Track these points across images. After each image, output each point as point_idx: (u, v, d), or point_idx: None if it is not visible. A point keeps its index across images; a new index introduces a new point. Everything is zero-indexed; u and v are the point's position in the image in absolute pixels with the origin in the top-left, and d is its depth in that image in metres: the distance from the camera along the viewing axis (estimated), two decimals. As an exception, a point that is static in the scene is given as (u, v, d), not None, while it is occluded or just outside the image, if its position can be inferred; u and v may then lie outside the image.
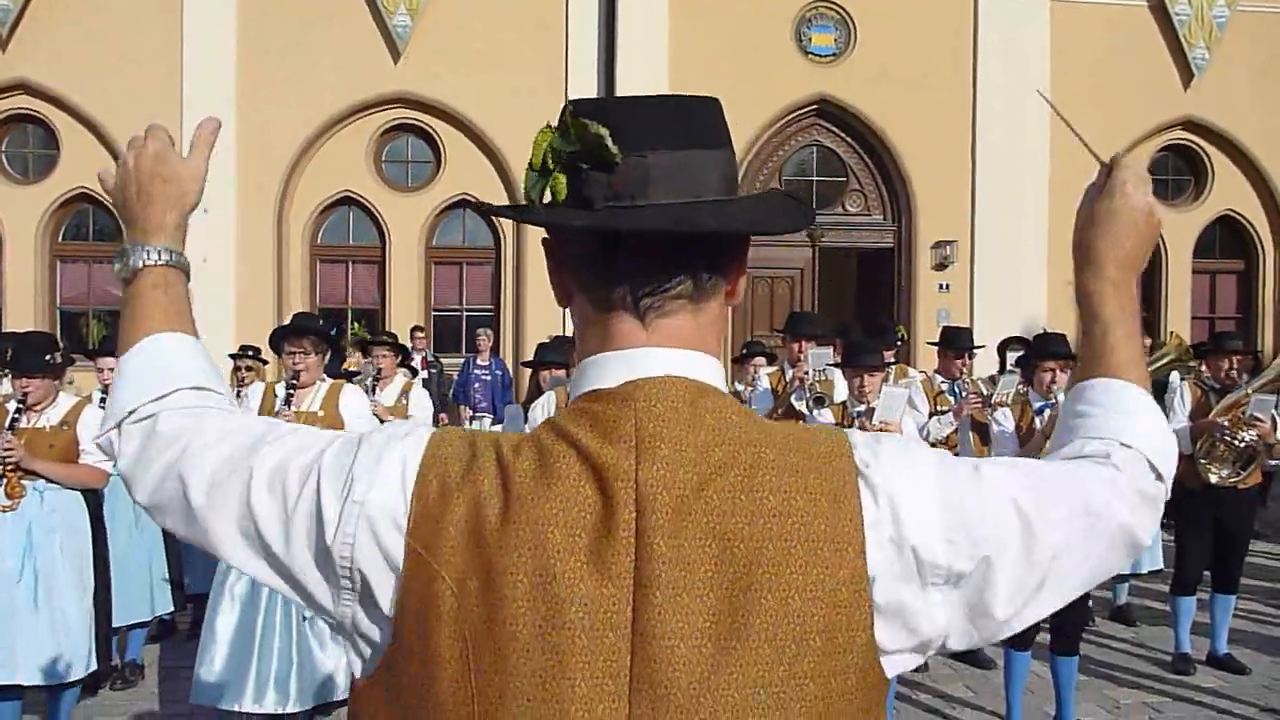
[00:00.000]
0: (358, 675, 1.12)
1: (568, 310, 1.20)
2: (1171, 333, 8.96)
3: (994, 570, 1.07)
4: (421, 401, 7.95)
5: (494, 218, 14.27)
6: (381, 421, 5.83)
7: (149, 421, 1.21)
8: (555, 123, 1.11)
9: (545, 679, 1.01)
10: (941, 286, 14.47)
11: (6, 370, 8.83)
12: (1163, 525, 7.08)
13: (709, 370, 1.12)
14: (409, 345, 12.57)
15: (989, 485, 1.10)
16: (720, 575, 1.02)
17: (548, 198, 1.13)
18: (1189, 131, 15.09)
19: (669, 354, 1.10)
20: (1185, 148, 15.27)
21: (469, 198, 14.21)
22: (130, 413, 1.22)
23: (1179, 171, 15.50)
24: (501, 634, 1.01)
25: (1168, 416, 6.38)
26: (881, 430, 5.21)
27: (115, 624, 5.69)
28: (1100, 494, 1.15)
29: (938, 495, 1.07)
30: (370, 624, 1.09)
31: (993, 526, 1.08)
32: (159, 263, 1.29)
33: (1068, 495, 1.13)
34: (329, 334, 5.21)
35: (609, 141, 1.06)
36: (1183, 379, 6.66)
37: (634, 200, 1.08)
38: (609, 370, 1.11)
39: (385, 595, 1.07)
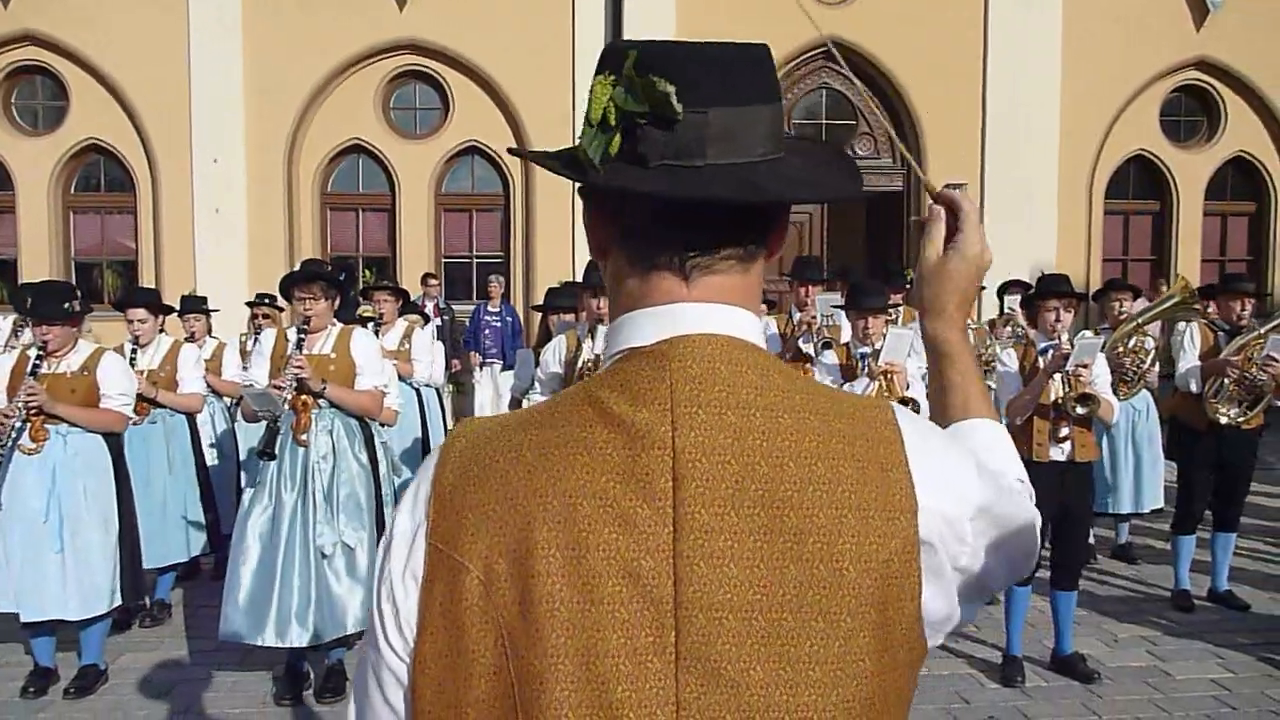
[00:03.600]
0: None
1: (598, 263, 1.16)
2: (1178, 276, 9.00)
3: (981, 578, 1.11)
4: (424, 345, 8.05)
5: (511, 159, 14.25)
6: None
7: None
8: (610, 72, 1.04)
9: (588, 658, 0.96)
10: (950, 230, 14.43)
11: (27, 319, 8.98)
12: (1166, 464, 7.20)
13: (751, 328, 1.08)
14: (421, 293, 12.67)
15: (1004, 489, 1.14)
16: (770, 545, 0.97)
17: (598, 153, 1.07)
18: (1202, 72, 14.93)
19: (709, 309, 1.05)
20: (1198, 88, 15.11)
21: (478, 144, 14.21)
22: None
23: (1191, 112, 15.37)
24: (537, 613, 0.96)
25: (1177, 357, 6.53)
26: (887, 371, 5.28)
27: (151, 565, 5.88)
28: (1025, 499, 1.21)
29: (976, 481, 1.09)
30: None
31: (1000, 534, 1.12)
32: None
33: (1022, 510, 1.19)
34: (338, 280, 5.29)
35: (674, 100, 1.00)
36: (1189, 321, 6.72)
37: (691, 159, 1.02)
38: (644, 327, 1.06)
39: (410, 616, 1.02)
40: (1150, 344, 7.12)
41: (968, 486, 1.07)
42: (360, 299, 7.92)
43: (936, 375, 1.34)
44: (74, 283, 13.30)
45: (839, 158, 1.19)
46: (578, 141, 1.06)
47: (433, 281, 13.26)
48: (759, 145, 1.06)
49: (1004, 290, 9.31)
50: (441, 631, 1.00)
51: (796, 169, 1.09)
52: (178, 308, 7.59)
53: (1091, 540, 7.31)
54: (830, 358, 5.84)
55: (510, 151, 1.46)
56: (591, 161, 1.04)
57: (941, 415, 1.32)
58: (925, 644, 1.06)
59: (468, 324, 13.09)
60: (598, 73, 1.05)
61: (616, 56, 1.04)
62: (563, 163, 1.08)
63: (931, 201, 1.33)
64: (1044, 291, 5.64)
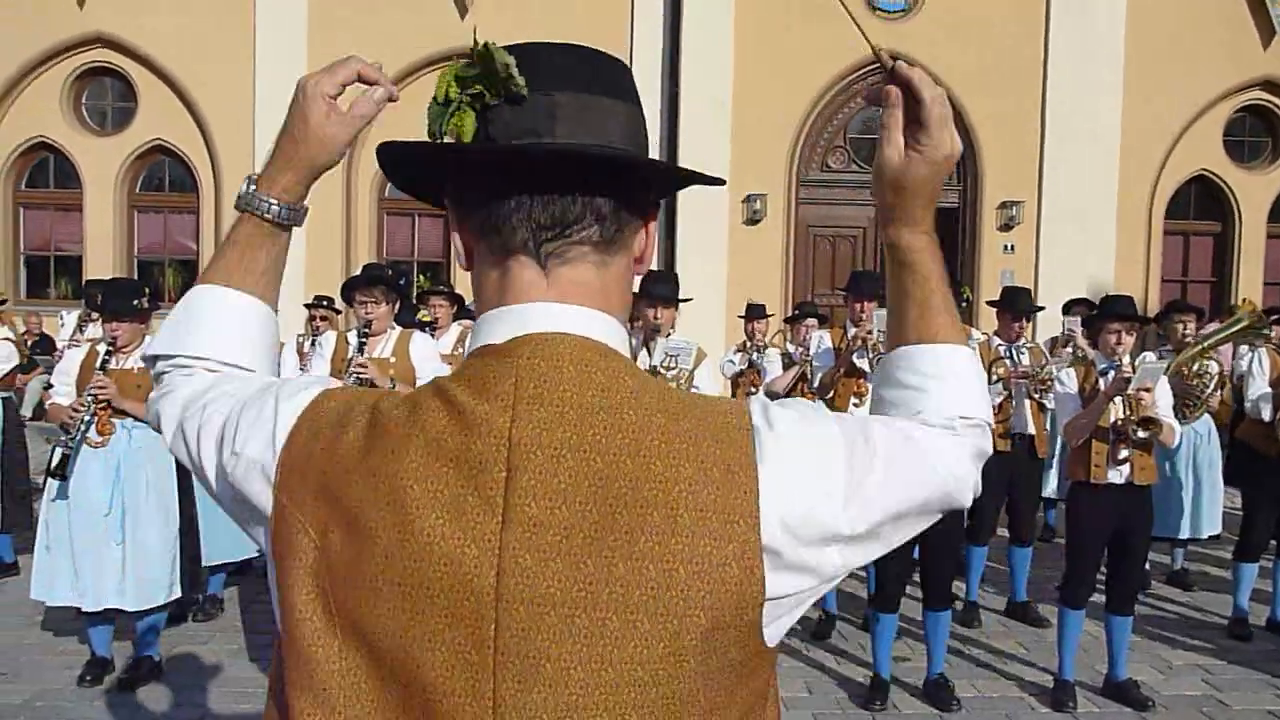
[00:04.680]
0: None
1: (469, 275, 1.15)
2: (1244, 299, 8.84)
3: (870, 538, 1.06)
4: None
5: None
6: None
7: (163, 376, 1.28)
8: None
9: (406, 641, 0.95)
10: (1006, 247, 14.30)
11: (91, 313, 9.18)
12: (1226, 490, 7.07)
13: (608, 330, 1.06)
14: (466, 296, 12.76)
15: (877, 449, 1.06)
16: (599, 542, 0.95)
17: (450, 139, 1.07)
18: (1267, 91, 14.68)
19: (564, 309, 1.04)
20: (1262, 108, 14.86)
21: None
22: (154, 359, 1.30)
23: (1256, 133, 15.11)
24: (361, 589, 0.97)
25: (1246, 384, 6.42)
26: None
27: (209, 563, 5.97)
28: (944, 460, 1.12)
29: (843, 467, 1.02)
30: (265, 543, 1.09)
31: (872, 482, 1.04)
32: (253, 211, 1.28)
33: (924, 465, 1.11)
34: (398, 284, 5.36)
35: (515, 71, 1.02)
36: (1256, 346, 6.62)
37: (539, 138, 1.03)
38: (500, 325, 1.05)
39: (266, 545, 1.07)
40: (1214, 368, 7.01)
41: (832, 477, 1.01)
42: (417, 303, 8.00)
43: (896, 287, 1.22)
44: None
45: (705, 175, 1.14)
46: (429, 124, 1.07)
47: None
48: (613, 135, 1.05)
49: (1067, 309, 9.17)
50: (278, 582, 1.03)
51: (651, 162, 1.09)
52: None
53: (1146, 566, 7.20)
54: (887, 373, 5.80)
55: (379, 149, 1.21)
56: (430, 131, 1.06)
57: (895, 331, 1.23)
58: (767, 645, 1.02)
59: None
60: (449, 65, 1.09)
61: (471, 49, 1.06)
62: (412, 142, 1.11)
63: (887, 77, 1.15)
64: (1107, 313, 5.57)
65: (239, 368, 1.27)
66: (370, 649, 0.97)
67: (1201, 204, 15.20)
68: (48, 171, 15.08)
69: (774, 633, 1.03)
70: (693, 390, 5.35)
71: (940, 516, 1.15)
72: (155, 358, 1.29)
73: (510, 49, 1.05)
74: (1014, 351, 6.74)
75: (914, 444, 1.11)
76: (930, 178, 1.16)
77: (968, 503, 1.16)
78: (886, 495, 1.05)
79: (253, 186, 1.28)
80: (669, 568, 0.94)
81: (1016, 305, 6.83)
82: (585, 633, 0.94)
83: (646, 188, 1.12)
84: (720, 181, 1.13)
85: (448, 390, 1.02)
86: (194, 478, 1.23)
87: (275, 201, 1.28)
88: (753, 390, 9.19)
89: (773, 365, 8.58)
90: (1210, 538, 7.42)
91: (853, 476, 1.03)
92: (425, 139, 1.11)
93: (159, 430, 1.24)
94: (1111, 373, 5.30)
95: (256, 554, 6.93)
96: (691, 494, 0.96)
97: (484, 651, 0.94)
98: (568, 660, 0.94)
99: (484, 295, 1.10)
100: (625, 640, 0.94)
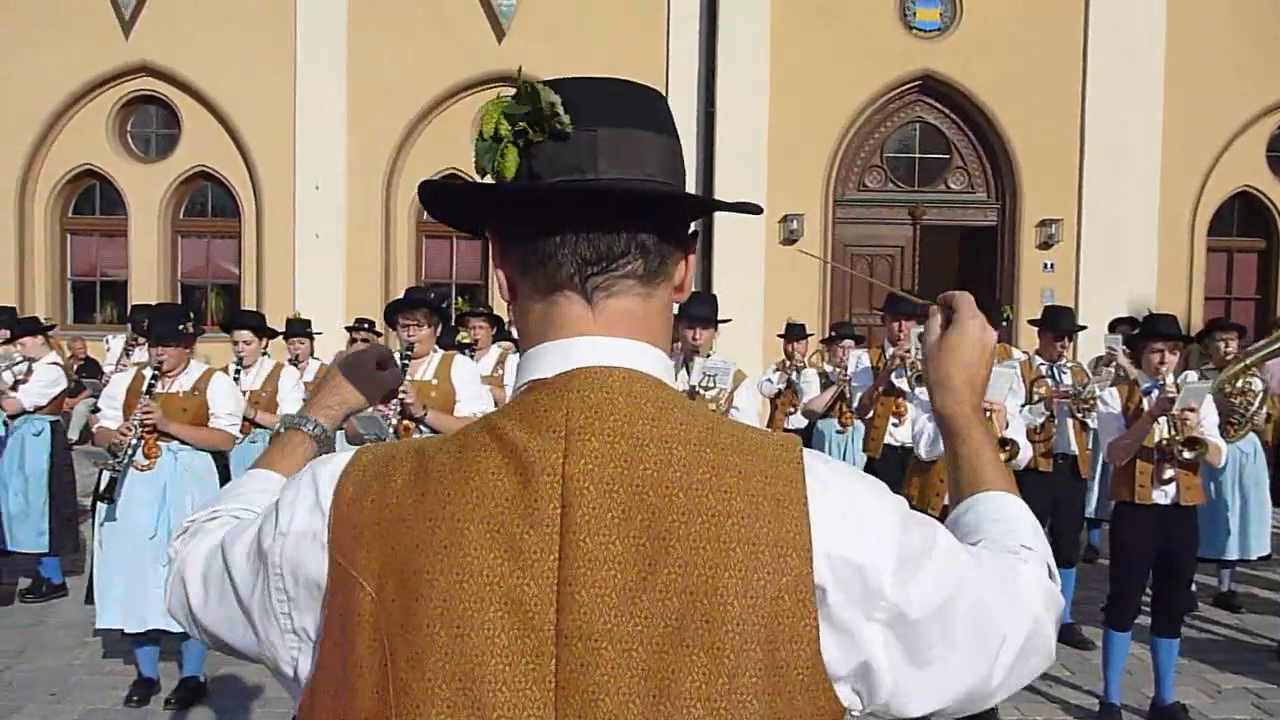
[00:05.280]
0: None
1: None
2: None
3: (928, 622, 1.02)
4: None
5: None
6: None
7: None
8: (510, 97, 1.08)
9: (465, 684, 0.95)
10: (1046, 266, 14.19)
11: (137, 338, 9.33)
12: (1275, 510, 6.94)
13: (655, 362, 1.08)
14: (504, 318, 12.87)
15: (939, 541, 1.05)
16: (654, 577, 0.96)
17: (490, 178, 1.10)
18: (1312, 106, 14.50)
19: (613, 343, 1.06)
20: (1307, 123, 14.67)
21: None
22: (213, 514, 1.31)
23: (1296, 151, 14.93)
24: (419, 636, 0.96)
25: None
26: (986, 409, 5.22)
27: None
28: (1026, 592, 1.11)
29: (895, 528, 1.02)
30: (307, 662, 1.07)
31: (935, 586, 1.02)
32: (299, 428, 1.49)
33: (1002, 583, 1.10)
34: (440, 307, 5.41)
35: (560, 109, 1.04)
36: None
37: (583, 174, 1.05)
38: (548, 360, 1.06)
39: (312, 620, 1.05)
40: (1259, 385, 6.91)
41: (883, 534, 1.01)
42: (458, 325, 8.08)
43: (948, 452, 1.35)
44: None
45: (746, 204, 1.17)
46: (476, 159, 1.09)
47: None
48: (653, 167, 1.08)
49: (1113, 328, 9.08)
50: (336, 645, 1.01)
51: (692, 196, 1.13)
52: (282, 330, 7.81)
53: (1192, 587, 7.09)
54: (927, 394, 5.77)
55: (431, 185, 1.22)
56: (480, 169, 1.08)
57: (954, 492, 1.32)
58: (837, 699, 1.00)
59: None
60: (494, 100, 1.10)
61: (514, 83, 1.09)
62: (462, 185, 1.14)
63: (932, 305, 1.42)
64: (1150, 332, 5.51)
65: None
66: (425, 697, 0.97)
67: (1245, 220, 15.00)
68: (94, 198, 15.37)
69: (847, 694, 1.02)
70: (733, 410, 5.35)
71: (1023, 656, 1.10)
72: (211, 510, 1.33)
73: (550, 83, 1.07)
74: (1056, 371, 6.69)
75: (978, 555, 1.11)
76: (964, 346, 1.34)
77: (1052, 637, 1.13)
78: (941, 578, 1.03)
79: (301, 416, 1.52)
80: (722, 602, 0.95)
81: (1058, 325, 6.77)
82: (642, 667, 0.94)
83: (686, 220, 1.14)
84: (757, 209, 1.16)
85: (499, 427, 1.03)
86: (207, 635, 1.20)
87: (310, 422, 1.51)
88: (791, 410, 9.18)
89: (810, 385, 8.57)
90: (1260, 559, 7.30)
91: (905, 540, 1.02)
92: (456, 172, 1.15)
93: (180, 578, 1.22)
94: (1155, 392, 5.25)
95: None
96: (744, 527, 0.97)
97: (544, 688, 0.95)
98: (626, 694, 0.94)
99: (529, 329, 1.11)
100: (682, 675, 0.94)
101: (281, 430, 1.52)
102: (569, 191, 1.05)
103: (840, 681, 1.00)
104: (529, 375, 1.08)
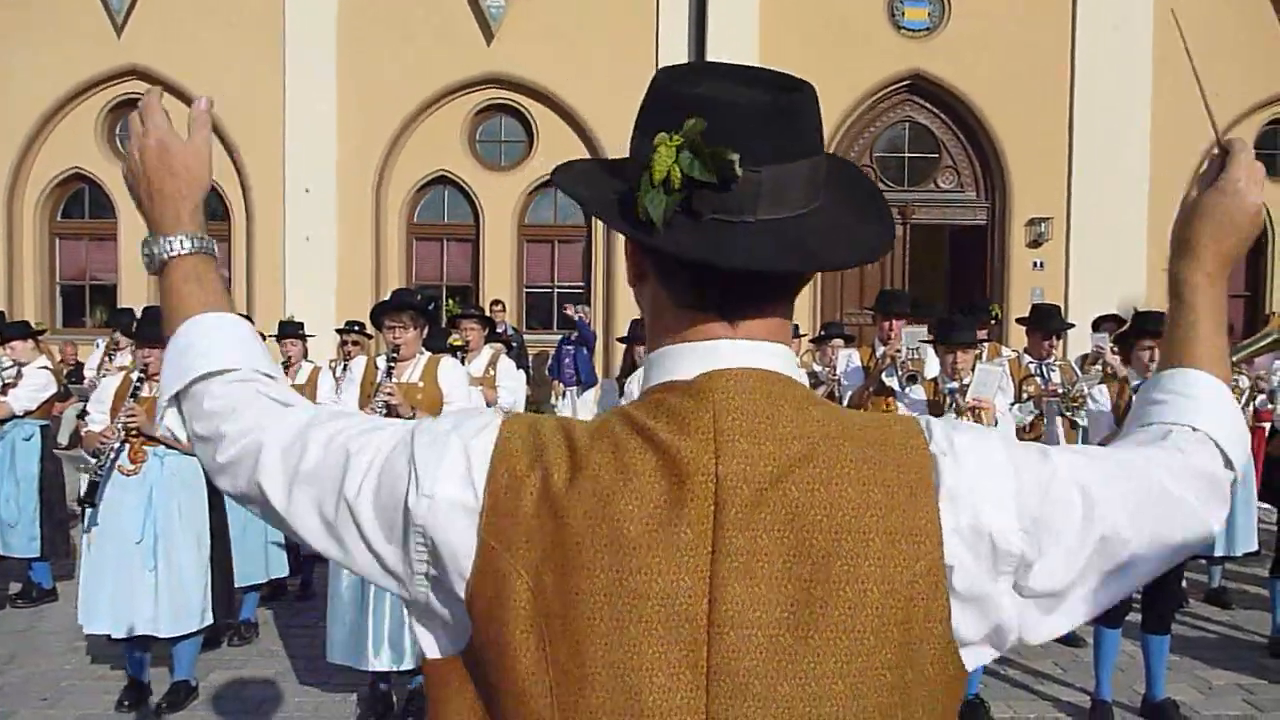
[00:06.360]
0: (429, 654, 1.13)
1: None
2: (1273, 313, 8.74)
3: (1053, 558, 1.07)
4: (509, 371, 8.11)
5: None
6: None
7: (196, 406, 1.22)
8: (675, 133, 1.05)
9: (623, 671, 1.02)
10: (1036, 264, 14.23)
11: (122, 343, 9.29)
12: (1260, 507, 6.97)
13: (787, 362, 1.13)
14: (495, 319, 12.86)
15: (1058, 472, 1.09)
16: (797, 567, 1.02)
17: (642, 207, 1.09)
18: (1300, 105, 14.57)
19: (747, 345, 1.10)
20: (1295, 120, 14.74)
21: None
22: (174, 396, 1.23)
23: (1289, 145, 14.98)
24: (579, 627, 1.03)
25: (1275, 397, 6.33)
26: (975, 407, 5.23)
27: (239, 584, 6.02)
28: (1163, 479, 1.14)
29: (1013, 484, 1.07)
30: (443, 608, 1.10)
31: (1063, 515, 1.08)
32: (184, 252, 1.29)
33: (1132, 482, 1.13)
34: (427, 309, 5.39)
35: (738, 166, 1.04)
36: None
37: (742, 215, 1.06)
38: (684, 362, 1.10)
39: (459, 583, 1.07)
40: (1244, 382, 6.92)
41: (1004, 498, 1.06)
42: (451, 328, 8.06)
43: (1169, 317, 1.32)
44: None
45: (871, 200, 1.20)
46: (639, 196, 1.07)
47: (497, 308, 13.37)
48: (802, 199, 1.10)
49: (1096, 326, 9.10)
50: (485, 625, 1.06)
51: (834, 218, 1.12)
52: (275, 333, 7.78)
53: (1183, 584, 7.10)
54: (918, 392, 5.78)
55: (591, 211, 1.25)
56: (650, 218, 1.06)
57: (1161, 360, 1.31)
58: (962, 665, 1.08)
59: (553, 353, 13.20)
60: (655, 121, 1.08)
61: (676, 108, 1.06)
62: (619, 214, 1.11)
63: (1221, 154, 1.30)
64: (1140, 330, 5.52)
65: (266, 375, 1.25)
66: (584, 681, 1.03)
67: (1234, 217, 15.03)
68: (83, 202, 15.34)
69: (971, 655, 1.09)
70: None
71: (1176, 550, 1.15)
72: (176, 396, 1.24)
73: (722, 114, 1.05)
74: (1045, 369, 6.70)
75: (1109, 455, 1.16)
76: (1221, 208, 1.27)
77: (1210, 524, 1.17)
78: (1068, 515, 1.08)
79: (167, 238, 1.29)
80: (863, 589, 1.02)
81: (1047, 323, 6.80)
82: (789, 651, 1.01)
83: None
84: (893, 233, 1.21)
85: (647, 429, 1.07)
86: (297, 520, 1.15)
87: (191, 236, 1.29)
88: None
89: (801, 385, 8.56)
90: (1247, 555, 7.31)
91: (1023, 488, 1.07)
92: (615, 194, 1.13)
93: (237, 488, 1.19)
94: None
95: (282, 577, 6.98)
96: (882, 518, 1.04)
97: (697, 672, 1.02)
98: (774, 677, 1.01)
99: (662, 326, 1.14)
100: (826, 657, 1.02)
101: (153, 269, 1.30)
102: (732, 263, 1.05)
103: (968, 646, 1.08)
104: (665, 375, 1.12)
